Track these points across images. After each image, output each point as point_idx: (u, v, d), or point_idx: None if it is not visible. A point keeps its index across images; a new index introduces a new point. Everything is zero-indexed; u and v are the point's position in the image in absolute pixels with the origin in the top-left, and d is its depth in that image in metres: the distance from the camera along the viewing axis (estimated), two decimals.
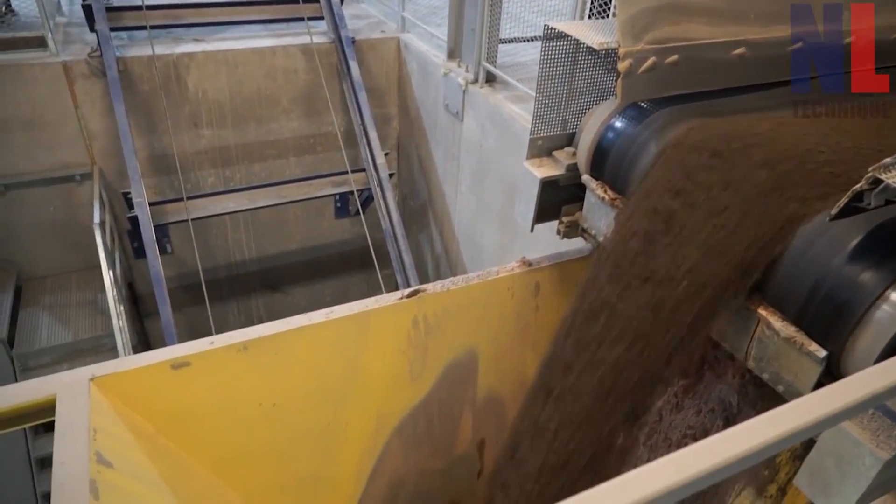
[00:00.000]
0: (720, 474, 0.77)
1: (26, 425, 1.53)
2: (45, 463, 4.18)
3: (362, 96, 5.08)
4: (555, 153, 2.26)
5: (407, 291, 2.08)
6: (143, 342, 5.50)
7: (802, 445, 1.73)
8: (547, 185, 2.22)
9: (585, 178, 2.15)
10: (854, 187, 1.18)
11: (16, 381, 2.44)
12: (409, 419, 2.37)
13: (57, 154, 4.73)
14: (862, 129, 1.76)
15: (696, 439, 2.13)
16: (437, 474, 2.61)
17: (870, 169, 1.13)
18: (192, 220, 4.69)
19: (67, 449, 1.39)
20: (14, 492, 3.85)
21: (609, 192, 2.08)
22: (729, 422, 2.04)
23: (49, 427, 1.47)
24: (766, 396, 1.89)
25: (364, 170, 5.25)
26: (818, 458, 1.43)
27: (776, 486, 1.94)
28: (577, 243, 2.42)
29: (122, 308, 4.19)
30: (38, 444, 4.21)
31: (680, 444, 2.18)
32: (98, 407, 1.55)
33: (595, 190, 2.10)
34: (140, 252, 4.74)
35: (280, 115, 5.40)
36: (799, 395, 1.54)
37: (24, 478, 4.07)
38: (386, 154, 5.20)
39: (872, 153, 1.50)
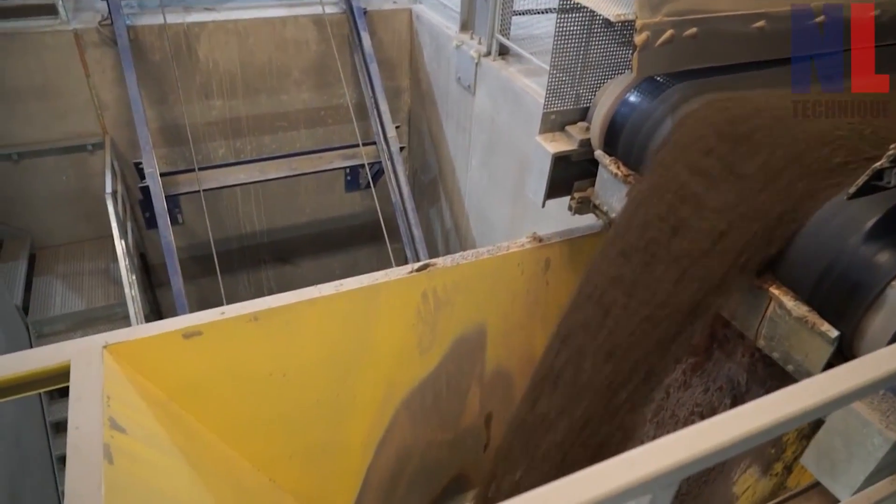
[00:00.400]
0: (729, 452, 0.77)
1: (42, 390, 1.56)
2: (61, 427, 4.27)
3: (373, 68, 5.02)
4: (568, 128, 2.23)
5: (417, 265, 2.08)
6: (155, 312, 5.56)
7: (810, 425, 1.73)
8: (559, 161, 2.20)
9: (598, 153, 2.13)
10: (874, 165, 1.15)
11: (31, 347, 2.48)
12: (417, 392, 2.39)
13: (69, 123, 4.73)
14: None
15: (703, 417, 2.14)
16: (444, 446, 2.64)
17: (891, 147, 1.10)
18: (204, 191, 4.69)
19: (82, 414, 1.41)
20: (31, 454, 3.95)
21: (622, 168, 2.06)
22: (737, 400, 2.05)
23: (64, 392, 1.49)
24: (775, 376, 1.89)
25: (375, 143, 5.22)
26: (826, 437, 1.43)
27: (782, 464, 1.94)
28: (588, 220, 2.40)
29: (134, 278, 4.22)
30: (54, 409, 4.29)
31: (687, 422, 2.19)
32: (111, 374, 1.57)
33: (608, 166, 2.08)
34: (152, 222, 4.76)
35: (291, 86, 5.36)
36: (809, 374, 1.54)
37: (41, 441, 4.16)
38: (397, 127, 5.16)
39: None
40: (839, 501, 1.48)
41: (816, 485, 1.56)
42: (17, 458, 3.53)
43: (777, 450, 1.95)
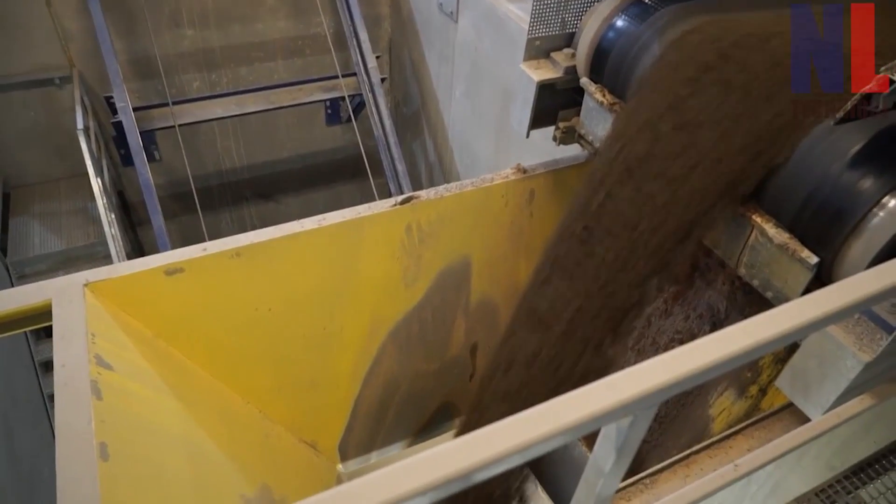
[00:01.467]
0: (709, 374, 0.79)
1: (24, 329, 1.55)
2: (49, 366, 4.29)
3: None
4: (553, 54, 2.17)
5: (401, 198, 2.06)
6: (137, 250, 5.51)
7: (786, 349, 1.79)
8: (544, 89, 2.15)
9: (584, 80, 2.08)
10: (862, 88, 1.14)
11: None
12: (403, 324, 2.41)
13: (32, 55, 4.51)
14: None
15: (682, 343, 2.19)
16: (430, 376, 2.70)
17: (881, 69, 1.08)
18: (179, 126, 4.56)
19: (66, 352, 1.41)
20: (22, 393, 3.99)
21: (608, 95, 2.02)
22: (716, 327, 2.09)
23: (49, 332, 1.49)
24: (753, 303, 1.93)
25: (355, 74, 5.07)
26: (801, 360, 1.48)
27: (757, 387, 2.01)
28: (573, 150, 2.38)
29: (113, 216, 4.15)
30: (41, 349, 4.30)
31: (667, 349, 2.24)
32: (94, 311, 1.56)
33: (594, 94, 2.04)
34: (128, 159, 4.64)
35: (266, 14, 5.13)
36: (787, 300, 1.57)
37: (31, 381, 4.20)
38: (377, 57, 5.00)
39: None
40: (810, 420, 1.54)
41: (789, 405, 1.62)
42: (8, 397, 3.56)
43: (753, 373, 2.01)
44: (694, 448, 1.55)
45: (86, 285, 1.59)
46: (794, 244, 1.51)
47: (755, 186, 1.57)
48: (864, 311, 1.39)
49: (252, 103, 4.89)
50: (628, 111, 1.74)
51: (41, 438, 3.91)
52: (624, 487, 1.45)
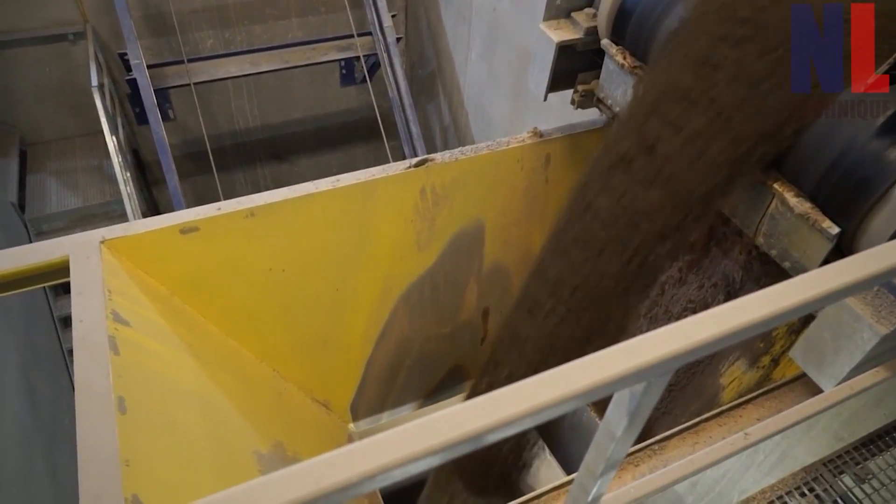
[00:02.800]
0: (725, 342, 0.78)
1: (42, 285, 1.57)
2: (68, 322, 4.37)
3: None
4: (573, 14, 2.11)
5: (415, 161, 2.05)
6: (153, 209, 5.54)
7: (800, 320, 1.77)
8: (563, 50, 2.10)
9: (605, 42, 2.02)
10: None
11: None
12: (415, 287, 2.42)
13: (46, 10, 4.48)
14: None
15: (695, 312, 2.18)
16: (441, 339, 2.72)
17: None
18: (194, 84, 4.53)
19: (84, 307, 1.43)
20: (42, 348, 4.07)
21: (629, 58, 1.96)
22: (730, 296, 2.08)
23: (68, 288, 1.51)
24: (770, 273, 1.90)
25: (370, 33, 4.98)
26: (816, 331, 1.46)
27: (769, 357, 2.01)
28: (590, 115, 2.33)
29: (128, 174, 4.17)
30: (59, 305, 4.38)
31: (680, 317, 2.23)
32: (111, 268, 1.58)
33: (614, 56, 1.99)
34: (142, 118, 4.63)
35: None
36: (805, 271, 1.54)
37: (51, 336, 4.28)
38: (393, 16, 4.90)
39: None
40: (822, 392, 1.54)
41: (801, 376, 1.61)
42: (29, 352, 3.64)
43: (766, 344, 2.00)
44: (704, 416, 1.56)
45: (102, 242, 1.60)
46: (816, 214, 1.48)
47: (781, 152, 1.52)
48: (883, 284, 1.37)
49: (266, 62, 4.84)
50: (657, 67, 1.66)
51: (62, 392, 4.01)
52: (633, 452, 1.46)
